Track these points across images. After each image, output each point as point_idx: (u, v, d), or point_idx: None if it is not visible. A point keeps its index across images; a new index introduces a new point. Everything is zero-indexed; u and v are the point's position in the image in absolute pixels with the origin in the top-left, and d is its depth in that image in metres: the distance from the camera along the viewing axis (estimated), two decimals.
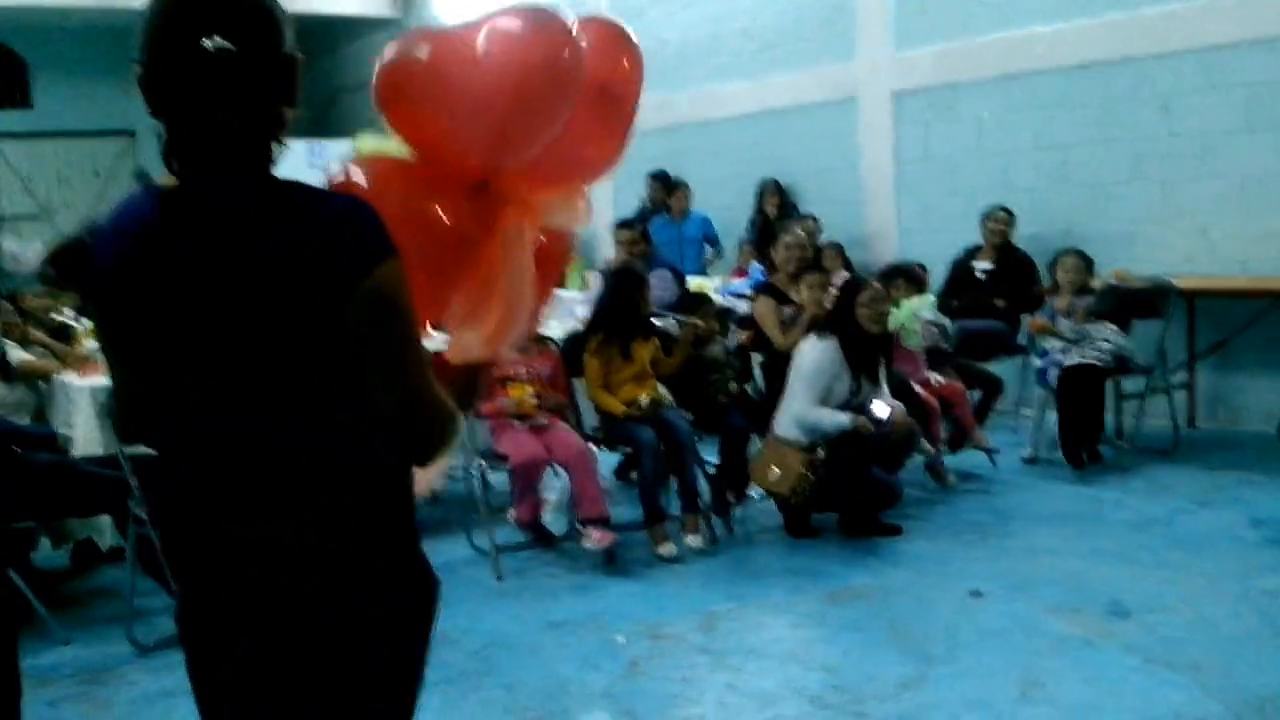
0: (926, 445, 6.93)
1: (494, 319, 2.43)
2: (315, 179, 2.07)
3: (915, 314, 7.28)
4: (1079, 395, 7.30)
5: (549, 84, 2.30)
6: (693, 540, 6.06)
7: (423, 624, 2.17)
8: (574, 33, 2.35)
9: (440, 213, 2.28)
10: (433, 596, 2.17)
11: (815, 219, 10.06)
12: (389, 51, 2.36)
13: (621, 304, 6.33)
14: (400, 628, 2.13)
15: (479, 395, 2.35)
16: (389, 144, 2.33)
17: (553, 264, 2.64)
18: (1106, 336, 7.45)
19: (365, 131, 2.38)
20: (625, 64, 2.61)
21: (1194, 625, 4.79)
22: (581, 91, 2.36)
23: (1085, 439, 7.40)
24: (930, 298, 7.67)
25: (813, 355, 6.26)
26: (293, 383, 1.98)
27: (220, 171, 1.96)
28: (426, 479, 2.46)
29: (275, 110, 2.02)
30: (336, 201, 2.01)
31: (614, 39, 2.60)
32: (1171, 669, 4.37)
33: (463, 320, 2.42)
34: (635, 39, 2.65)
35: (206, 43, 1.91)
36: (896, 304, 7.14)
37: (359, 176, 2.28)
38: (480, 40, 2.29)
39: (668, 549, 6.00)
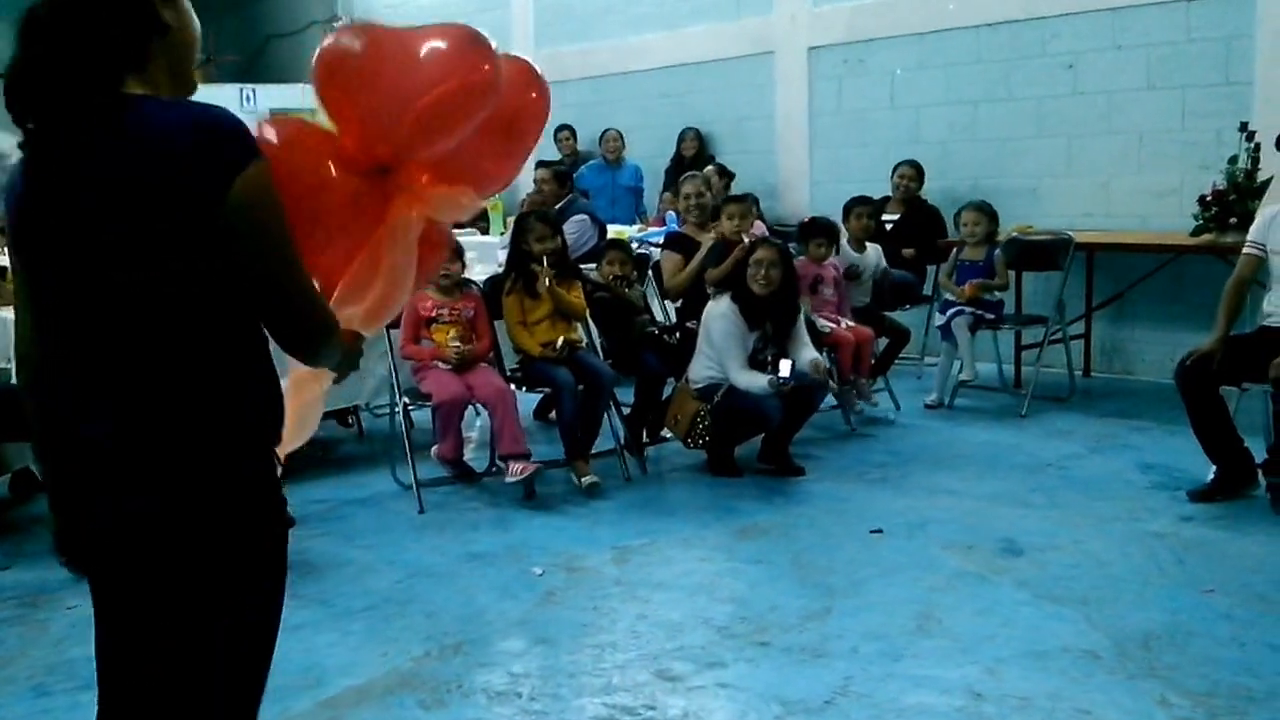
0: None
1: (374, 297, 2.53)
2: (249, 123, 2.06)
3: None
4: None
5: (467, 96, 2.50)
6: (586, 479, 6.11)
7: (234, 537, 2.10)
8: (497, 60, 2.55)
9: (340, 181, 2.41)
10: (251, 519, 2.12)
11: (724, 166, 10.09)
12: (333, 37, 2.55)
13: (514, 248, 6.44)
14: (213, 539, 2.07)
15: (353, 364, 2.44)
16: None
17: (432, 249, 2.81)
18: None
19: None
20: (535, 97, 2.85)
21: (1083, 563, 4.89)
22: (492, 111, 2.56)
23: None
24: None
25: (719, 324, 6.29)
26: (128, 307, 1.97)
27: (63, 108, 1.98)
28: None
29: (124, 46, 2.02)
30: (186, 115, 1.98)
31: (528, 75, 2.84)
32: (1060, 604, 4.46)
33: (346, 294, 2.49)
34: (544, 77, 2.89)
35: None
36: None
37: (270, 133, 2.36)
38: (417, 45, 2.49)
39: (589, 479, 6.08)
